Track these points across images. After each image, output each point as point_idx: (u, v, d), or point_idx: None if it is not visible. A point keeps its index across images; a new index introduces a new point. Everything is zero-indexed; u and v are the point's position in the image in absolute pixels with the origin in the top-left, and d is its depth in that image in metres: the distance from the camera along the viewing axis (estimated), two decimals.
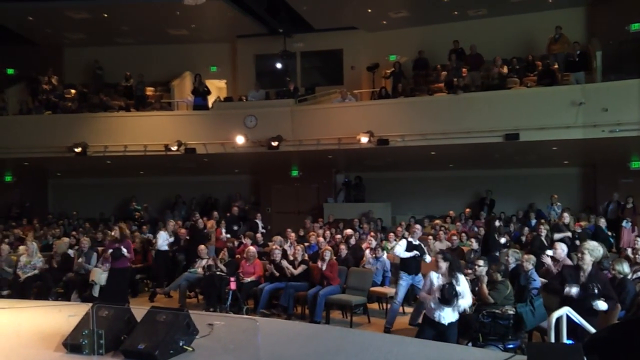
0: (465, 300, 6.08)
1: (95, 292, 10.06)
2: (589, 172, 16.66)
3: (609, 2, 15.25)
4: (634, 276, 7.73)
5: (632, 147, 14.04)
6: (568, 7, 15.72)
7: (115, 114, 16.00)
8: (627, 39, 14.36)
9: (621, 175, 15.62)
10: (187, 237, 12.27)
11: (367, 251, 10.49)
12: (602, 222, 12.06)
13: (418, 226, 9.61)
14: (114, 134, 15.32)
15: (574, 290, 5.70)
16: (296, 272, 9.64)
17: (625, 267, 7.30)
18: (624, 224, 13.59)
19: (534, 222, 14.05)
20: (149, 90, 17.74)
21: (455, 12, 16.00)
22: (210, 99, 16.56)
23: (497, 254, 10.08)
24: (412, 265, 8.63)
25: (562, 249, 8.02)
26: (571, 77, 13.64)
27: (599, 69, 13.12)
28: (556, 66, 14.11)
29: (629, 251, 9.28)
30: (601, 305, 5.41)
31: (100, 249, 11.09)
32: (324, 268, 9.33)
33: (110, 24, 16.66)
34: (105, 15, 16.05)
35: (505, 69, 14.35)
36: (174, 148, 14.80)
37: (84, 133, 15.24)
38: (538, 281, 7.47)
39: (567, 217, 11.54)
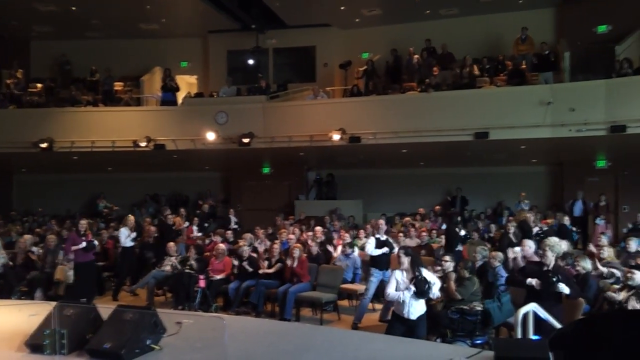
0: (436, 286, 6.22)
1: (61, 290, 9.87)
2: (556, 170, 16.95)
3: (577, 4, 15.53)
4: (598, 272, 7.89)
5: (598, 147, 14.35)
6: (537, 8, 15.95)
7: (83, 109, 15.73)
8: (594, 41, 14.66)
9: (587, 174, 15.96)
10: (156, 235, 12.10)
11: (339, 248, 10.51)
12: (566, 220, 12.25)
13: (382, 221, 9.66)
14: (81, 129, 15.06)
15: (534, 281, 5.79)
16: (271, 270, 9.58)
17: (588, 264, 7.48)
18: (597, 221, 13.88)
19: (504, 219, 14.23)
20: (118, 85, 17.45)
21: (428, 11, 16.09)
22: (181, 95, 16.36)
23: (459, 247, 10.26)
24: (382, 261, 8.69)
25: (529, 246, 8.14)
26: (539, 77, 13.87)
27: (567, 70, 13.36)
28: (524, 66, 14.33)
29: (593, 248, 9.43)
30: (563, 288, 5.53)
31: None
32: (294, 265, 9.29)
33: (79, 17, 16.31)
34: (74, 8, 15.71)
35: (476, 69, 14.51)
36: (143, 144, 14.61)
37: (50, 128, 14.95)
38: (505, 277, 7.57)
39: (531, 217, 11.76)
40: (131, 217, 11.70)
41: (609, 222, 14.18)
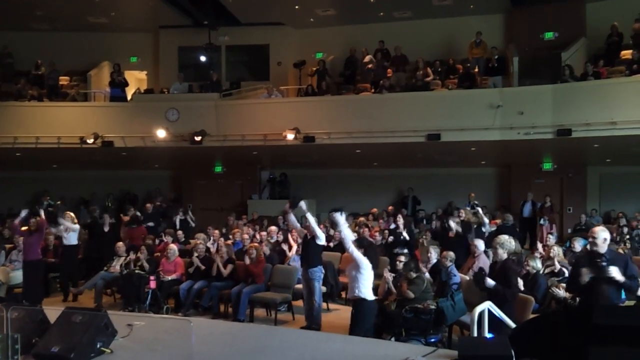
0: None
1: (2, 292, 9.46)
2: (505, 172, 17.39)
3: (525, 11, 15.98)
4: (546, 270, 8.14)
5: (545, 149, 14.79)
6: (488, 14, 16.32)
7: (27, 104, 15.09)
8: (541, 47, 15.11)
9: (534, 176, 16.45)
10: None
11: (293, 248, 10.45)
12: (510, 220, 12.50)
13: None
14: (24, 124, 14.43)
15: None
16: (226, 272, 9.42)
17: (537, 263, 7.70)
18: (541, 222, 14.27)
19: None
20: (64, 80, 16.84)
21: (381, 13, 16.23)
22: (130, 91, 15.94)
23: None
24: (302, 259, 8.69)
25: (479, 245, 8.45)
26: (489, 80, 14.20)
27: (516, 74, 13.71)
28: (477, 70, 14.64)
29: (540, 247, 9.69)
30: (489, 281, 5.78)
31: (8, 246, 10.44)
32: (249, 264, 9.17)
33: (23, 7, 15.63)
34: None
35: (429, 72, 14.72)
36: (90, 141, 14.15)
37: None
38: (458, 276, 7.71)
39: (462, 213, 12.06)
40: (70, 214, 11.22)
41: (553, 223, 14.59)
